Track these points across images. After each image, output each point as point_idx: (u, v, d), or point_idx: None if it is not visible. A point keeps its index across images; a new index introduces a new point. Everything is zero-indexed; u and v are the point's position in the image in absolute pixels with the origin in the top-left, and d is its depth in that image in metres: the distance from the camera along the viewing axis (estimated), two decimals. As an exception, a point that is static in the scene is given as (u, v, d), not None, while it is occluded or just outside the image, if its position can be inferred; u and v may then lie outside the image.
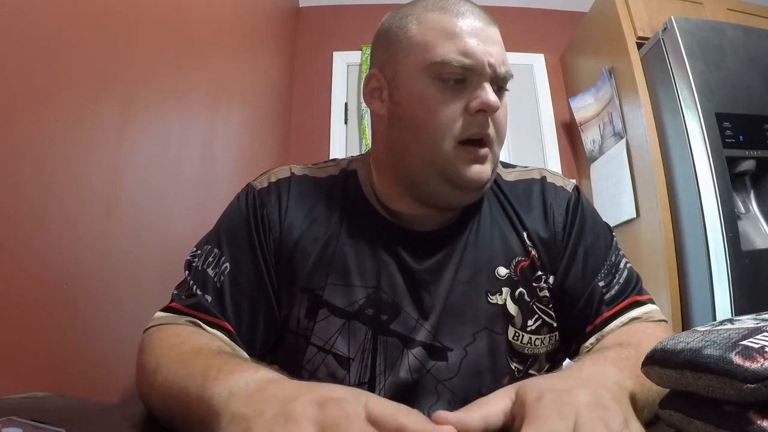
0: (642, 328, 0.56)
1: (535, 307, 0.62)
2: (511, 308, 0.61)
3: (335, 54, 2.50)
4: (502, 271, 0.62)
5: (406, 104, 0.60)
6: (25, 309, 0.57)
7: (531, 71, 2.51)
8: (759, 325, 0.32)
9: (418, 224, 0.64)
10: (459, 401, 0.57)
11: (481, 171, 0.59)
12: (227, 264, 0.60)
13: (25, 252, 0.57)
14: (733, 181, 1.55)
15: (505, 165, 0.73)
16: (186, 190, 1.07)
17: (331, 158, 0.75)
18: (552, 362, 0.64)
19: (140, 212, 0.85)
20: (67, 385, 0.63)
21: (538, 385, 0.36)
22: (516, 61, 2.46)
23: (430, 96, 0.58)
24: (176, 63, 1.00)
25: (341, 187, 0.67)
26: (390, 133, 0.63)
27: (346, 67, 2.49)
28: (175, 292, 0.61)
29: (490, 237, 0.64)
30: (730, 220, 1.48)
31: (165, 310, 0.58)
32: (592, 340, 0.59)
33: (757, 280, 1.45)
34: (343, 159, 0.73)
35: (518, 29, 2.44)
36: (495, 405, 0.37)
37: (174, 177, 1.00)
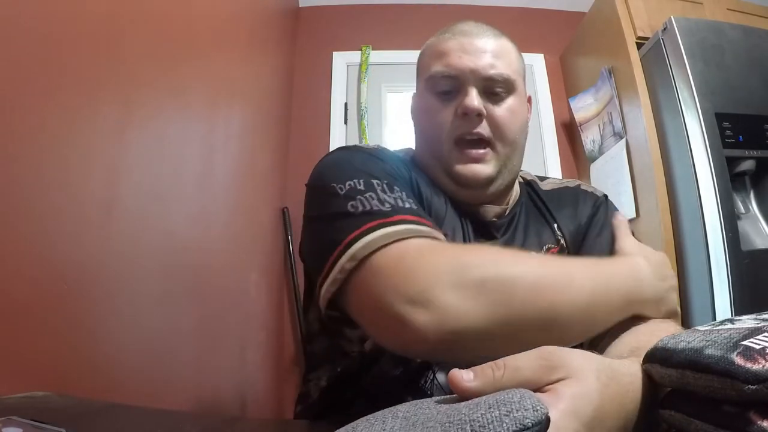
0: (656, 327, 0.57)
1: None
2: None
3: (335, 54, 2.50)
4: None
5: (417, 116, 0.75)
6: (25, 308, 0.57)
7: (531, 71, 2.50)
8: (759, 325, 0.31)
9: (480, 214, 0.72)
10: None
11: (477, 169, 0.68)
12: (401, 192, 0.56)
13: (24, 251, 0.57)
14: (733, 181, 1.54)
15: (542, 178, 0.84)
16: (186, 190, 1.07)
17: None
18: None
19: (140, 212, 0.85)
20: (67, 385, 0.62)
21: None
22: (516, 61, 2.45)
23: (428, 107, 0.71)
24: (176, 63, 0.99)
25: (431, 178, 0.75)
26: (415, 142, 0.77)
27: (346, 67, 2.49)
28: (361, 211, 0.51)
29: (526, 230, 0.75)
30: (730, 220, 1.48)
31: (377, 228, 0.49)
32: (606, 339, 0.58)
33: (757, 280, 1.45)
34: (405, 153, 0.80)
35: (518, 29, 2.42)
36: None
37: (174, 177, 1.00)
